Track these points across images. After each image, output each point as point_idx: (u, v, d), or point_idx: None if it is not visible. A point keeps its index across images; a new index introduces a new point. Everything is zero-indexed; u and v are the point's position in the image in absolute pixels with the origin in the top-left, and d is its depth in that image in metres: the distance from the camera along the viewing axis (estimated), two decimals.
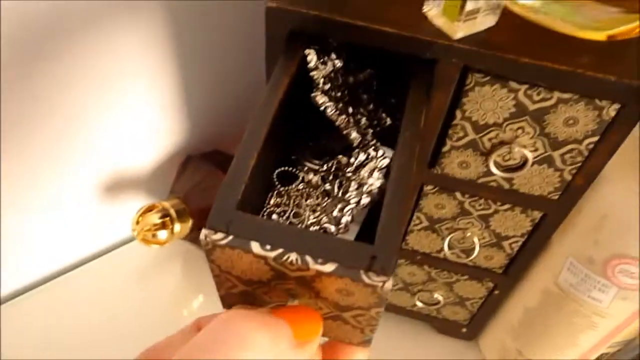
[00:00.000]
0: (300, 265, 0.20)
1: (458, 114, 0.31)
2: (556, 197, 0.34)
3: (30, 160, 0.42)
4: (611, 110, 0.28)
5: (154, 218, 0.45)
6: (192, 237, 0.49)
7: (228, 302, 0.24)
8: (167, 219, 0.46)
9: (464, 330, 0.49)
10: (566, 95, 0.28)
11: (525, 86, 0.28)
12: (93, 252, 0.53)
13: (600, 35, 0.28)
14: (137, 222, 0.45)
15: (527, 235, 0.37)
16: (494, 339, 0.47)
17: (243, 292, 0.23)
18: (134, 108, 0.46)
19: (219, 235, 0.21)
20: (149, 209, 0.46)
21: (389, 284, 0.20)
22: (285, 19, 0.29)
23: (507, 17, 0.29)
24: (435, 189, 0.36)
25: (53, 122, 0.41)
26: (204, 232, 0.21)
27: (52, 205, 0.46)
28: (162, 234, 0.46)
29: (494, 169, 0.32)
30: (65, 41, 0.38)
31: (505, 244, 0.38)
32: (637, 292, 0.34)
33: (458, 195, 0.36)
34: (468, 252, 0.39)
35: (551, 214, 0.35)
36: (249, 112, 0.52)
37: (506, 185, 0.34)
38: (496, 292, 0.43)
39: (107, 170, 0.48)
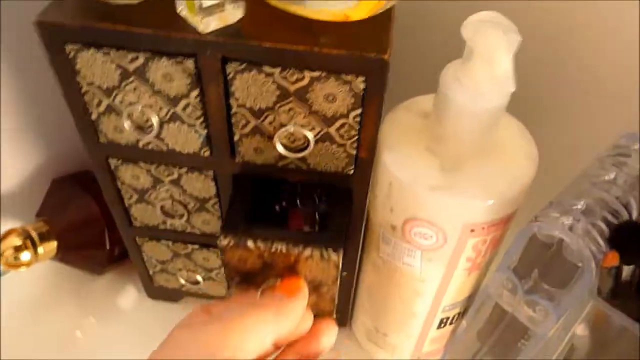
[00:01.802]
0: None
1: (233, 102, 0.33)
2: (351, 172, 0.36)
3: None
4: (359, 83, 0.31)
5: (14, 241, 0.47)
6: (61, 257, 0.50)
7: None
8: (29, 240, 0.47)
9: (335, 316, 0.50)
10: (315, 74, 0.31)
11: (278, 69, 0.31)
12: None
13: (337, 16, 0.30)
14: None
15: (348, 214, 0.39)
16: (358, 321, 0.49)
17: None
18: None
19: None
20: (9, 233, 0.47)
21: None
22: (56, 31, 0.31)
23: (263, 7, 0.32)
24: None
25: None
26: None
27: None
28: (25, 256, 0.47)
29: (283, 151, 0.35)
30: None
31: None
32: (436, 252, 0.36)
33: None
34: None
35: (354, 189, 0.37)
36: None
37: (304, 166, 0.36)
38: (344, 273, 0.45)
39: None
